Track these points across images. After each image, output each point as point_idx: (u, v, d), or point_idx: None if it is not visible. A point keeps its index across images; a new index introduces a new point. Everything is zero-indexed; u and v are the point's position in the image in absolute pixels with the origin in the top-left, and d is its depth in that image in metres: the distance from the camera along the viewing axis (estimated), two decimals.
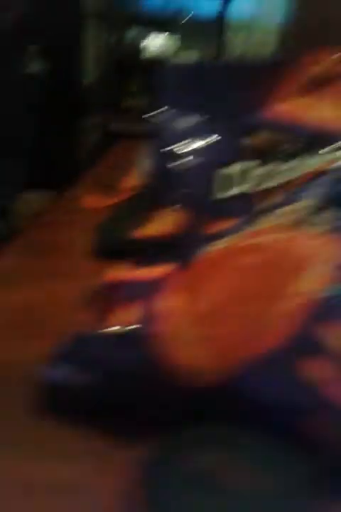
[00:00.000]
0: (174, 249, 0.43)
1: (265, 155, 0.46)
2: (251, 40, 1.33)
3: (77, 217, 0.67)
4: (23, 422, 0.35)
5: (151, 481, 0.32)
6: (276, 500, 0.32)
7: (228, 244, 0.39)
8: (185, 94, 0.52)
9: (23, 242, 0.62)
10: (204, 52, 1.35)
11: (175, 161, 0.49)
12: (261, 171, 0.46)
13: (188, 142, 0.50)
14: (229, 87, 0.49)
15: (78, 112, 1.01)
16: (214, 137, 0.48)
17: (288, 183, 0.43)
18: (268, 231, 0.38)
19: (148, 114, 0.57)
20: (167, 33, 1.38)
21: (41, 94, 0.76)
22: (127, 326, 0.36)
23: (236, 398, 0.34)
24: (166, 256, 0.40)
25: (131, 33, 1.36)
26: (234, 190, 0.47)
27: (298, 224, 0.38)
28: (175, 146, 0.51)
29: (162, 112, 0.54)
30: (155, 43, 1.39)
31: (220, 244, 0.39)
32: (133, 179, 0.62)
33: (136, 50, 1.36)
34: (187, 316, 0.35)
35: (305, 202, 0.39)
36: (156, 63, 1.25)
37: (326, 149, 0.43)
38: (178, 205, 0.49)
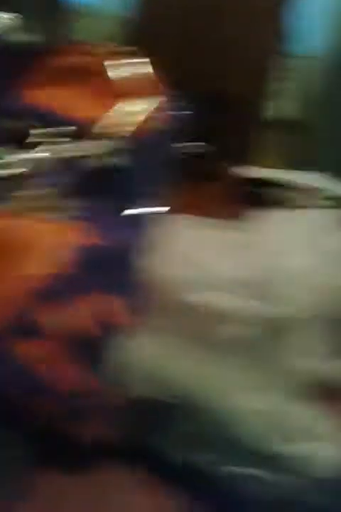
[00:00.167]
0: None
1: (14, 141, 0.46)
2: (94, 27, 1.31)
3: None
4: None
5: None
6: None
7: None
8: None
9: None
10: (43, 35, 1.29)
11: None
12: (9, 157, 0.46)
13: None
14: None
15: None
16: None
17: (33, 170, 0.44)
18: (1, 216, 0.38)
19: None
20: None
21: None
22: None
23: None
24: None
25: None
26: None
27: (35, 210, 0.39)
28: None
29: None
30: None
31: None
32: None
33: None
34: None
35: (46, 190, 0.40)
36: None
37: (70, 140, 0.45)
38: None
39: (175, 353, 0.40)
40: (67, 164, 0.42)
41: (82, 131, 0.44)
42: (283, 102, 2.65)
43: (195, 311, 0.42)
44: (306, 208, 0.57)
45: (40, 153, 0.42)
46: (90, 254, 0.36)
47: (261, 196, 0.56)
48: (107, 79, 0.46)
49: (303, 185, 0.59)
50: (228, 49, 0.56)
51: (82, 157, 0.43)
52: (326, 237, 0.53)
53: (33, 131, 0.43)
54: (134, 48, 0.48)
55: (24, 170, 0.40)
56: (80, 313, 0.35)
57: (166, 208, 0.41)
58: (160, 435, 0.38)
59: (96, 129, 0.44)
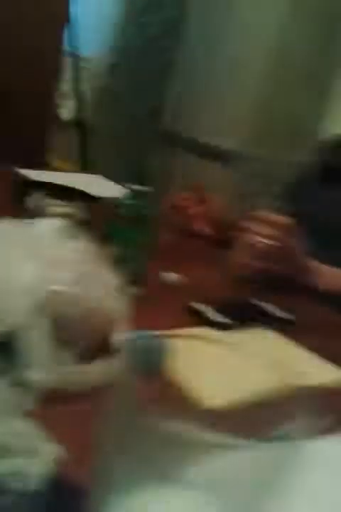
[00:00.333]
0: None
1: None
2: None
3: None
4: None
5: None
6: None
7: None
8: None
9: None
10: None
11: None
12: None
13: None
14: None
15: None
16: None
17: None
18: None
19: None
20: None
21: None
22: None
23: None
24: None
25: None
26: None
27: None
28: None
29: None
30: None
31: None
32: None
33: None
34: None
35: None
36: None
37: None
38: None
39: None
40: None
41: None
42: (69, 103, 2.74)
43: None
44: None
45: None
46: None
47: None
48: None
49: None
50: (12, 50, 0.57)
51: None
52: (51, 246, 0.56)
53: None
54: None
55: None
56: None
57: None
58: None
59: None
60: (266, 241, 0.94)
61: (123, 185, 1.66)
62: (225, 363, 0.66)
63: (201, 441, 0.36)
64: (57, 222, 0.60)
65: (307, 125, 2.35)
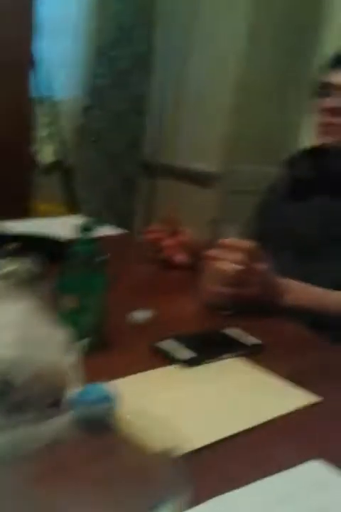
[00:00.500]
0: None
1: None
2: None
3: None
4: None
5: None
6: None
7: None
8: None
9: None
10: None
11: None
12: None
13: None
14: None
15: None
16: None
17: None
18: None
19: None
20: None
21: None
22: None
23: None
24: None
25: None
26: None
27: None
28: None
29: None
30: None
31: None
32: None
33: None
34: None
35: None
36: None
37: None
38: None
39: None
40: None
41: None
42: (48, 147, 2.76)
43: None
44: None
45: None
46: None
47: None
48: None
49: None
50: None
51: None
52: None
53: None
54: None
55: None
56: None
57: None
58: None
59: None
60: (232, 267, 0.94)
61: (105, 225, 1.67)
62: (172, 410, 0.64)
63: None
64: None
65: (277, 140, 2.37)
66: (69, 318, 0.70)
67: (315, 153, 1.30)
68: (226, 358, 0.78)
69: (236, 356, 0.79)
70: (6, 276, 0.64)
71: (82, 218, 1.99)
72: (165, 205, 2.75)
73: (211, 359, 0.77)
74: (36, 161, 2.73)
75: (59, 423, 0.54)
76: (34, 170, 2.62)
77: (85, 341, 0.69)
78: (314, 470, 0.53)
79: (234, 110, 2.38)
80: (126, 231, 1.70)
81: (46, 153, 2.87)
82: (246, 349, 0.81)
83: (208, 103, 2.49)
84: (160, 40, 2.88)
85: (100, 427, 0.55)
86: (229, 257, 0.93)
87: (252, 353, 0.81)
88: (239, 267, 0.93)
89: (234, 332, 0.86)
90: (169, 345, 0.79)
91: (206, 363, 0.76)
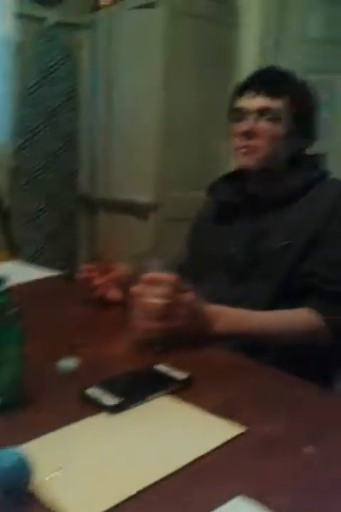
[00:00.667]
0: None
1: None
2: None
3: None
4: None
5: None
6: None
7: None
8: None
9: None
10: None
11: None
12: None
13: None
14: None
15: None
16: None
17: None
18: None
19: None
20: None
21: None
22: None
23: None
24: None
25: None
26: None
27: None
28: None
29: None
30: None
31: None
32: None
33: None
34: None
35: None
36: None
37: None
38: None
39: None
40: None
41: None
42: None
43: None
44: None
45: None
46: None
47: None
48: None
49: None
50: None
51: None
52: None
53: None
54: None
55: None
56: None
57: None
58: None
59: None
60: (156, 301, 0.93)
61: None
62: (97, 462, 0.62)
63: None
64: None
65: (207, 166, 2.41)
66: None
67: (234, 177, 1.32)
68: (154, 398, 0.77)
69: (165, 394, 0.78)
70: None
71: (19, 263, 1.95)
72: (107, 238, 2.74)
73: (137, 402, 0.75)
74: None
75: None
76: None
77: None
78: (236, 509, 0.52)
79: (162, 141, 2.41)
80: (60, 272, 1.68)
81: None
82: (175, 385, 0.80)
83: (136, 136, 2.52)
84: (83, 77, 2.91)
85: (16, 495, 0.52)
86: (153, 292, 0.93)
87: (181, 388, 0.79)
88: (163, 301, 0.92)
89: (162, 368, 0.85)
90: (96, 392, 0.77)
91: (132, 407, 0.74)
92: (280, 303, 1.11)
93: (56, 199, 2.96)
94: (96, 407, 0.74)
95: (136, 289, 0.95)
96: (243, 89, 1.23)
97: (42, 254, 2.98)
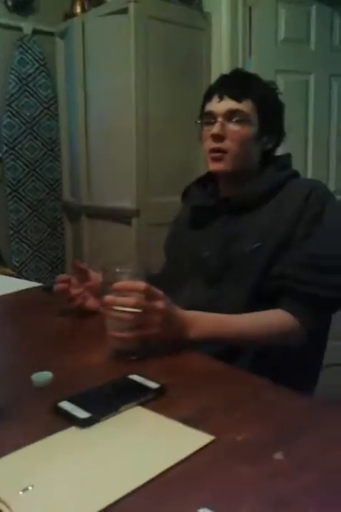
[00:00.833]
0: None
1: None
2: None
3: None
4: None
5: None
6: None
7: None
8: None
9: None
10: None
11: None
12: None
13: None
14: None
15: None
16: None
17: None
18: None
19: None
20: None
21: None
22: None
23: None
24: None
25: None
26: None
27: None
28: None
29: None
30: None
31: None
32: None
33: None
34: None
35: None
36: None
37: None
38: None
39: None
40: None
41: None
42: None
43: None
44: None
45: None
46: None
47: None
48: None
49: None
50: None
51: None
52: None
53: None
54: None
55: None
56: None
57: None
58: None
59: None
60: (129, 310, 0.92)
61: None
62: (65, 479, 0.61)
63: None
64: None
65: (186, 170, 2.41)
66: None
67: (207, 180, 1.32)
68: (126, 408, 0.76)
69: (137, 404, 0.77)
70: None
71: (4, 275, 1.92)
72: (92, 245, 2.73)
73: (109, 414, 0.74)
74: None
75: None
76: None
77: None
78: None
79: (141, 147, 2.40)
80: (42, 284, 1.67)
81: None
82: (148, 395, 0.79)
83: (114, 143, 2.51)
84: (61, 85, 2.90)
85: None
86: (125, 301, 0.92)
87: (154, 398, 0.79)
88: (135, 310, 0.92)
89: (136, 378, 0.84)
90: (67, 405, 0.76)
91: (104, 419, 0.73)
92: (255, 305, 1.11)
93: (41, 208, 2.95)
94: (68, 421, 0.73)
95: (107, 298, 0.94)
96: (211, 93, 1.23)
97: (29, 265, 2.97)
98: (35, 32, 2.78)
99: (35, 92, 2.84)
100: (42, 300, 1.48)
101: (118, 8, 2.38)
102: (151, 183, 2.44)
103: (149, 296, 0.93)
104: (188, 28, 2.50)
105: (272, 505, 0.54)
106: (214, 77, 1.44)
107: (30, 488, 0.58)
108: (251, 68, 2.50)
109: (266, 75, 1.31)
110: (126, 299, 0.92)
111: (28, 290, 1.60)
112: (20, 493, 0.57)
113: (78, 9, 2.73)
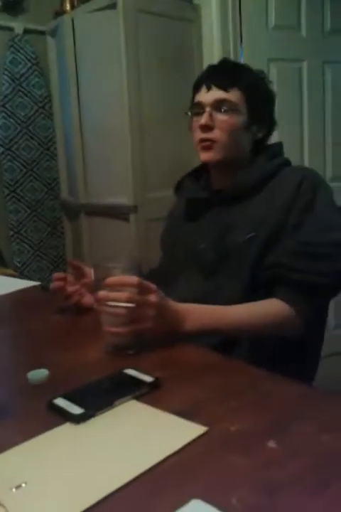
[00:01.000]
0: None
1: None
2: None
3: None
4: None
5: None
6: None
7: None
8: None
9: None
10: None
11: None
12: None
13: None
14: None
15: None
16: None
17: None
18: None
19: None
20: None
21: None
22: None
23: None
24: None
25: None
26: None
27: None
28: None
29: None
30: None
31: None
32: None
33: None
34: None
35: None
36: None
37: None
38: None
39: None
40: None
41: None
42: None
43: None
44: None
45: None
46: None
47: None
48: None
49: None
50: None
51: None
52: None
53: None
54: None
55: None
56: None
57: None
58: None
59: None
60: (123, 304, 0.92)
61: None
62: (59, 475, 0.61)
63: None
64: None
65: (182, 164, 2.40)
66: None
67: (200, 172, 1.32)
68: (121, 403, 0.76)
69: (132, 398, 0.77)
70: None
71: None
72: (91, 242, 2.73)
73: (104, 409, 0.74)
74: None
75: None
76: None
77: None
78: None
79: (136, 142, 2.40)
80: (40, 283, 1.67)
81: None
82: (143, 388, 0.79)
83: (109, 140, 2.51)
84: (55, 84, 2.89)
85: None
86: (118, 296, 0.92)
87: (149, 392, 0.79)
88: (129, 305, 0.92)
89: (131, 372, 0.84)
90: (62, 402, 0.76)
91: (99, 414, 0.73)
92: (251, 296, 1.10)
93: (40, 207, 2.96)
94: (63, 418, 0.73)
95: (100, 294, 0.94)
96: (199, 84, 1.23)
97: (31, 265, 2.97)
98: (26, 31, 2.77)
99: (29, 92, 2.83)
100: (40, 299, 1.48)
101: (108, 3, 2.37)
102: (148, 178, 2.44)
103: (142, 290, 0.93)
104: (178, 20, 2.48)
105: (265, 493, 0.54)
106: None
107: (23, 485, 0.58)
108: (243, 58, 2.49)
109: (258, 64, 1.30)
110: (118, 294, 0.92)
111: (26, 289, 1.60)
112: (14, 490, 0.57)
113: (68, 6, 2.72)
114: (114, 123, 2.44)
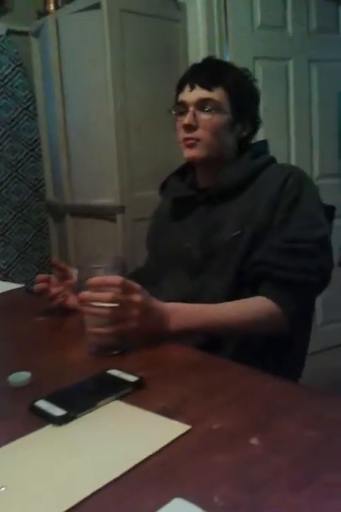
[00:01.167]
0: None
1: None
2: None
3: None
4: None
5: None
6: None
7: None
8: None
9: None
10: None
11: None
12: None
13: None
14: None
15: None
16: None
17: None
18: None
19: None
20: None
21: None
22: None
23: None
24: None
25: None
26: None
27: None
28: None
29: None
30: None
31: None
32: None
33: None
34: None
35: None
36: None
37: None
38: None
39: None
40: None
41: None
42: None
43: None
44: None
45: None
46: None
47: None
48: None
49: None
50: None
51: None
52: None
53: None
54: None
55: None
56: None
57: None
58: None
59: None
60: (106, 305, 0.91)
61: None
62: (39, 477, 0.60)
63: None
64: None
65: (168, 163, 2.39)
66: None
67: (185, 171, 1.32)
68: (104, 403, 0.75)
69: (115, 399, 0.76)
70: None
71: None
72: (78, 244, 2.71)
73: (86, 410, 0.73)
74: None
75: None
76: None
77: None
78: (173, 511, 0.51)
79: (121, 142, 2.39)
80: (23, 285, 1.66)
81: None
82: (127, 388, 0.79)
83: (94, 140, 2.49)
84: (38, 85, 2.87)
85: None
86: (101, 296, 0.91)
87: (133, 391, 0.78)
88: (113, 305, 0.91)
89: (115, 373, 0.83)
90: (44, 404, 0.75)
91: (81, 415, 0.73)
92: (237, 294, 1.10)
93: (25, 209, 2.94)
94: (45, 420, 0.72)
95: (83, 295, 0.93)
96: (182, 83, 1.22)
97: (16, 267, 2.95)
98: (9, 32, 2.75)
99: (13, 93, 2.81)
100: (24, 301, 1.47)
101: (92, 3, 2.35)
102: (134, 178, 2.43)
103: (125, 289, 0.92)
104: (163, 19, 2.48)
105: (247, 490, 0.54)
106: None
107: (2, 489, 0.57)
108: (229, 57, 2.49)
109: (243, 63, 1.30)
110: (102, 294, 0.91)
111: (11, 292, 1.59)
112: None
113: (51, 7, 2.70)
114: (99, 123, 2.43)
